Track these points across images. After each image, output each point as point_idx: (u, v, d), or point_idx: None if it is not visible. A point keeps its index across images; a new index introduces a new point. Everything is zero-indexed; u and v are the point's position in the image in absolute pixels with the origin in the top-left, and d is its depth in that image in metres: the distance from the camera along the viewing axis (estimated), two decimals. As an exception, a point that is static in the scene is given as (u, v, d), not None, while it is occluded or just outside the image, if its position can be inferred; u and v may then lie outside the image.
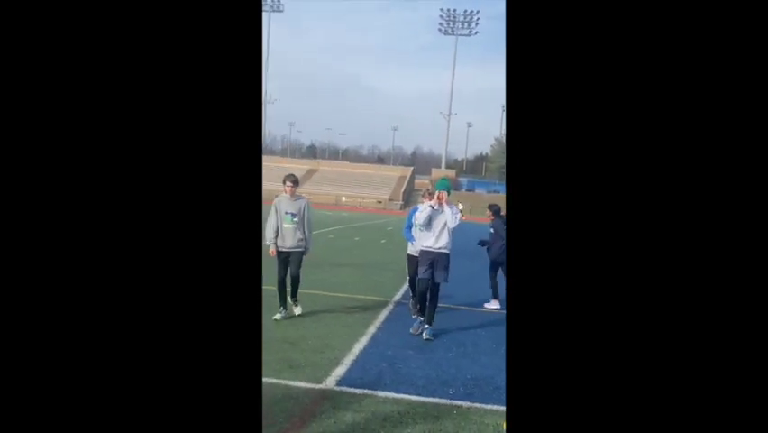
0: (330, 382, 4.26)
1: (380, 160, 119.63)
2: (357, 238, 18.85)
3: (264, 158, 78.99)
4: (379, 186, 65.80)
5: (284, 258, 6.23)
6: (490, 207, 8.26)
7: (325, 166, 73.95)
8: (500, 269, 7.84)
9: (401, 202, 60.30)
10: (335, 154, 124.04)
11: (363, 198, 61.38)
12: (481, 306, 7.85)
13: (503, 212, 7.80)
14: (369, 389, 4.17)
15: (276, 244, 6.16)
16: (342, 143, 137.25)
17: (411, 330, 5.89)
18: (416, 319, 6.18)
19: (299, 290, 6.46)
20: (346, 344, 5.37)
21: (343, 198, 60.54)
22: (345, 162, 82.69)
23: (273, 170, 64.85)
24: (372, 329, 6.05)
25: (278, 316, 6.16)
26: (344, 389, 4.15)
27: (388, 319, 6.60)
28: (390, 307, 7.37)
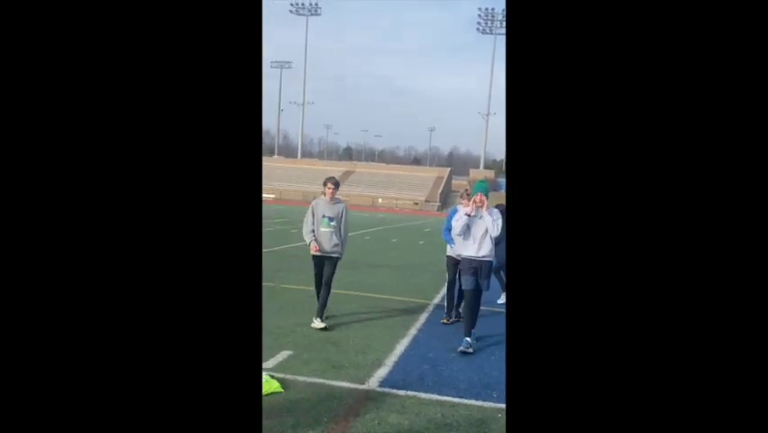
0: (373, 383, 4.29)
1: (417, 161, 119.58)
2: (394, 240, 18.88)
3: (301, 160, 79.59)
4: (415, 187, 65.75)
5: (319, 263, 6.07)
6: (497, 207, 8.16)
7: (361, 168, 74.30)
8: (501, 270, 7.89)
9: (438, 203, 60.09)
10: (371, 156, 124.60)
11: (400, 199, 61.42)
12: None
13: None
14: (411, 390, 4.18)
15: (315, 242, 5.99)
16: (379, 145, 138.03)
17: (461, 348, 5.34)
18: (448, 325, 6.19)
19: (331, 290, 6.11)
20: (387, 345, 5.39)
21: (380, 200, 60.69)
22: (381, 164, 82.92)
23: (310, 172, 65.51)
24: (413, 331, 6.06)
25: (317, 323, 5.91)
26: (387, 390, 4.17)
27: (428, 321, 6.60)
28: (430, 309, 7.36)
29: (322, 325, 5.83)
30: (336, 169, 66.42)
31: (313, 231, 6.01)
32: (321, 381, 4.26)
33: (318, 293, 6.12)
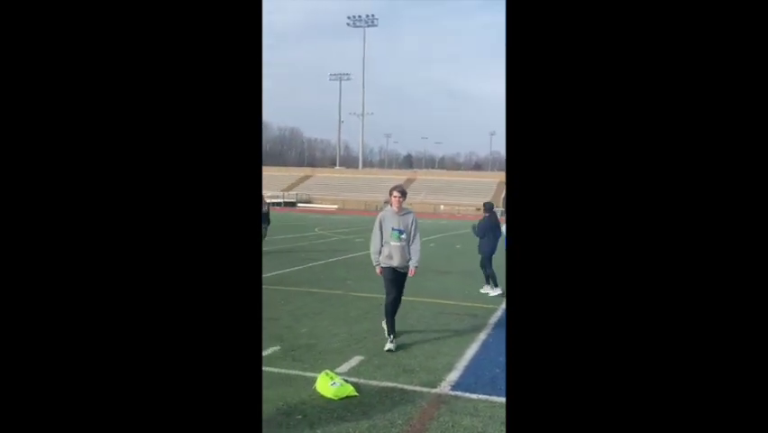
0: (445, 387, 4.34)
1: (478, 166, 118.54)
2: (458, 246, 18.79)
3: (362, 170, 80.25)
4: (477, 193, 65.13)
5: (393, 278, 5.52)
6: (485, 204, 9.52)
7: (422, 175, 74.37)
8: (488, 261, 8.92)
9: (501, 209, 59.25)
10: (432, 163, 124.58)
11: (461, 205, 60.99)
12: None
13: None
14: (483, 394, 4.20)
15: (380, 266, 5.53)
16: (439, 152, 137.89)
17: None
18: None
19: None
20: (457, 350, 5.43)
21: (441, 207, 60.48)
22: (442, 170, 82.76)
23: (371, 182, 66.14)
24: (482, 336, 6.06)
25: (389, 346, 5.39)
26: (459, 393, 4.21)
27: (497, 326, 6.57)
28: (498, 314, 7.32)
29: (392, 346, 5.40)
30: (397, 177, 66.69)
31: (381, 250, 5.52)
32: (394, 384, 4.36)
33: (391, 309, 5.56)
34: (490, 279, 8.84)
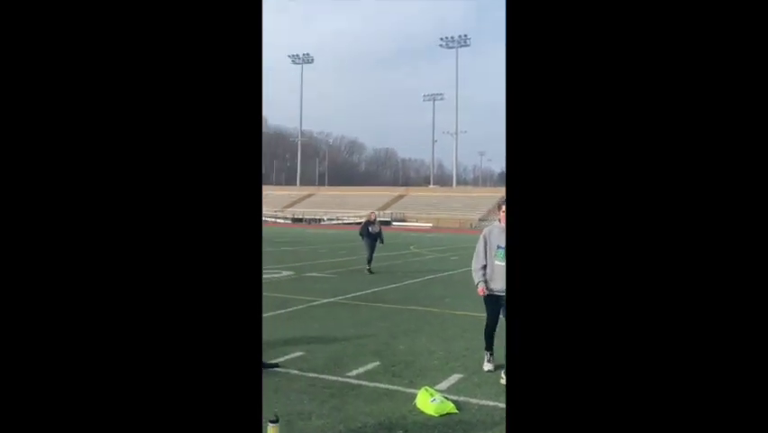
0: (547, 408, 4.23)
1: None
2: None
3: (456, 188, 79.83)
4: (576, 209, 62.84)
5: (494, 302, 5.03)
6: None
7: (518, 192, 72.84)
8: None
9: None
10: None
11: (560, 222, 59.01)
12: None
13: None
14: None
15: (483, 284, 5.03)
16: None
17: None
18: None
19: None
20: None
21: (539, 224, 58.91)
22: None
23: (464, 200, 65.73)
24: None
25: (487, 366, 5.21)
26: (563, 415, 4.09)
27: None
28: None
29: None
30: (491, 194, 65.83)
31: (484, 267, 5.02)
32: (494, 403, 4.32)
33: (487, 336, 5.21)
34: None
